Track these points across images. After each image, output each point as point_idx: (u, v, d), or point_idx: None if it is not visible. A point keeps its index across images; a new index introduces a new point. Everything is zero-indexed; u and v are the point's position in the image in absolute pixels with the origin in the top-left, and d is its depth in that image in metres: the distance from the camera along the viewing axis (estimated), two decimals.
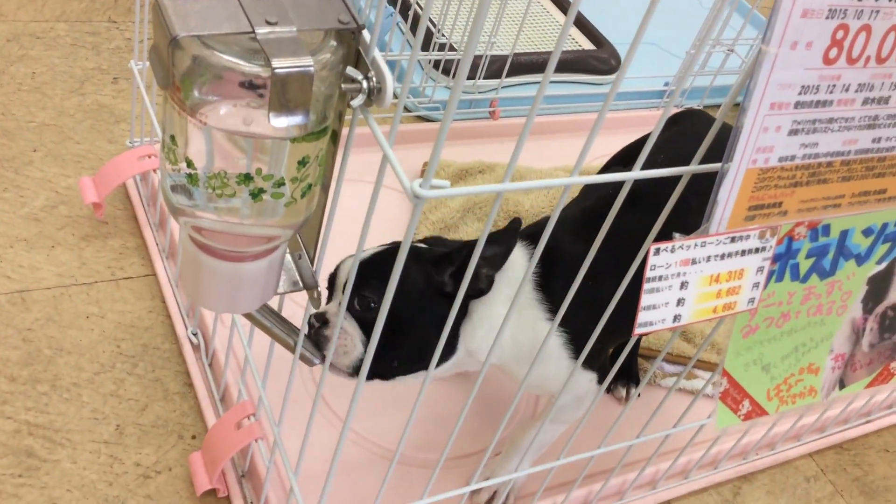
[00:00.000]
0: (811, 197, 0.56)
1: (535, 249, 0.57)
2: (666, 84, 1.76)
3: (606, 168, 1.13)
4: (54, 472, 0.89)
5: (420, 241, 0.90)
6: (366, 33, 0.52)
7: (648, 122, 1.68)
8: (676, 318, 0.57)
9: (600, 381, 0.90)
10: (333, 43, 0.51)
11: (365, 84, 0.52)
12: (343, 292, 0.79)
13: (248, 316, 0.69)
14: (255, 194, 0.53)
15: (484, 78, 1.54)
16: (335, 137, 0.57)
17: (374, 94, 0.52)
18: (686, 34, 1.68)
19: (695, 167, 0.56)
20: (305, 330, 0.72)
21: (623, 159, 1.12)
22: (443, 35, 1.50)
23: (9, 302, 1.04)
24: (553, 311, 0.83)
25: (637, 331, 0.56)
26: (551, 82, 1.69)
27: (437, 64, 1.53)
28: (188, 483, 0.92)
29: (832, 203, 0.58)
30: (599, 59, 1.73)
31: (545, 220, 0.94)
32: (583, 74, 1.71)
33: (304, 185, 0.55)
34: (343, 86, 0.52)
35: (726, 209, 0.54)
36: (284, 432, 0.81)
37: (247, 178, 0.52)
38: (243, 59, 0.48)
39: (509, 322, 0.62)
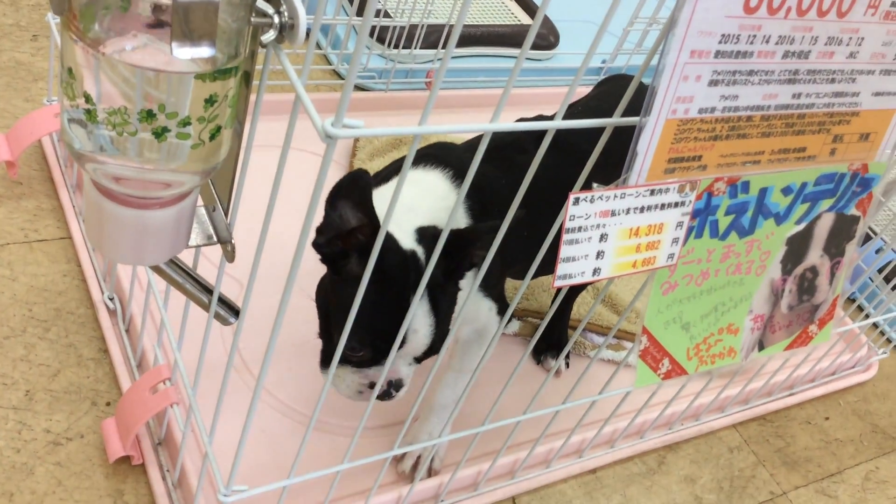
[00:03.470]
0: (731, 152, 0.56)
1: (462, 185, 0.56)
2: (603, 62, 1.76)
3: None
4: None
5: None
6: None
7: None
8: (596, 271, 0.56)
9: (499, 312, 0.91)
10: None
11: (276, 19, 0.50)
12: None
13: (159, 270, 0.66)
14: (159, 133, 0.51)
15: (421, 48, 1.52)
16: (247, 79, 0.55)
17: (287, 31, 0.50)
18: (624, 13, 1.68)
19: (616, 119, 0.55)
20: (220, 288, 0.69)
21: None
22: (378, 2, 1.47)
23: None
24: None
25: (556, 283, 0.55)
26: (491, 56, 1.67)
27: (372, 32, 1.50)
28: (101, 450, 0.88)
29: (752, 159, 0.58)
30: (538, 34, 1.72)
31: (460, 148, 0.93)
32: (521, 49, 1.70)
33: (213, 126, 0.52)
34: (253, 19, 0.50)
35: (646, 160, 0.53)
36: (203, 398, 0.78)
37: (149, 115, 0.50)
38: None
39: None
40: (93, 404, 0.92)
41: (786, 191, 0.62)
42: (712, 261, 0.62)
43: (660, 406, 1.07)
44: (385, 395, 0.82)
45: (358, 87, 1.53)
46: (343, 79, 1.52)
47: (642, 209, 0.55)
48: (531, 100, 1.64)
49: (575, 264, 0.55)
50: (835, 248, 0.70)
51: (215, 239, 0.66)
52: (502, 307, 0.92)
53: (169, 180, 0.55)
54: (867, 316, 1.41)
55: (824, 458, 1.22)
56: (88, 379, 0.94)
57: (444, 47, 1.53)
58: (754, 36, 0.52)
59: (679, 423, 1.14)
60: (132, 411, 0.84)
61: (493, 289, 0.89)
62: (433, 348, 0.80)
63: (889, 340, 1.42)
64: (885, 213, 1.46)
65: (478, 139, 0.99)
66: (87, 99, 0.50)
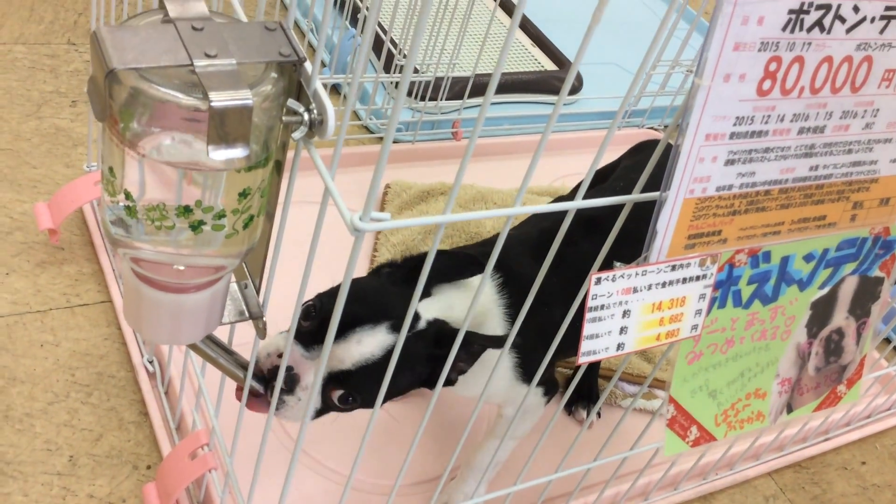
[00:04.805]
0: (750, 224, 0.57)
1: (481, 279, 0.57)
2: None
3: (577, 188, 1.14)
4: None
5: (382, 265, 0.89)
6: (308, 65, 0.52)
7: (613, 141, 1.69)
8: (620, 346, 0.57)
9: (546, 394, 0.92)
10: (274, 75, 0.51)
11: (306, 116, 0.52)
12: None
13: (194, 347, 0.68)
14: (195, 226, 0.53)
15: (446, 99, 1.54)
16: (279, 167, 0.57)
17: (316, 126, 0.52)
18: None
19: (636, 196, 0.56)
20: (254, 363, 0.71)
21: (594, 182, 1.14)
22: (404, 56, 1.50)
23: None
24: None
25: (580, 360, 0.56)
26: (515, 103, 1.70)
27: (397, 86, 1.53)
28: None
29: (772, 230, 0.59)
30: (562, 79, 1.74)
31: (494, 241, 0.94)
32: (546, 95, 1.72)
33: (246, 216, 0.55)
34: (284, 118, 0.52)
35: (666, 238, 0.54)
36: (242, 461, 0.80)
37: (186, 210, 0.52)
38: (182, 91, 0.48)
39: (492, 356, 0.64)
40: (134, 468, 0.94)
41: (808, 258, 0.62)
42: (736, 329, 0.63)
43: (694, 456, 1.07)
44: (279, 379, 0.68)
45: None
46: (372, 132, 1.55)
47: (664, 284, 0.56)
48: (556, 145, 1.66)
49: (599, 341, 0.56)
50: (860, 309, 0.70)
51: (247, 315, 0.68)
52: (549, 389, 0.93)
53: (203, 265, 0.57)
54: None
55: None
56: (129, 442, 0.96)
57: (469, 97, 1.55)
58: (769, 116, 0.53)
59: (713, 473, 1.13)
60: (172, 477, 0.86)
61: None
62: (355, 383, 0.74)
63: None
64: None
65: (536, 220, 1.00)
66: (128, 196, 0.52)
